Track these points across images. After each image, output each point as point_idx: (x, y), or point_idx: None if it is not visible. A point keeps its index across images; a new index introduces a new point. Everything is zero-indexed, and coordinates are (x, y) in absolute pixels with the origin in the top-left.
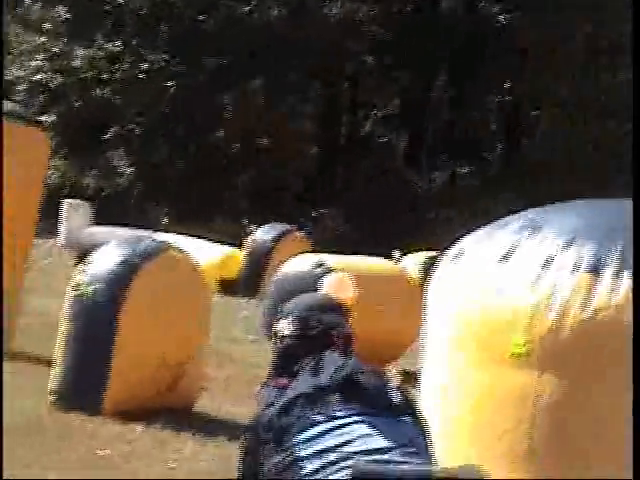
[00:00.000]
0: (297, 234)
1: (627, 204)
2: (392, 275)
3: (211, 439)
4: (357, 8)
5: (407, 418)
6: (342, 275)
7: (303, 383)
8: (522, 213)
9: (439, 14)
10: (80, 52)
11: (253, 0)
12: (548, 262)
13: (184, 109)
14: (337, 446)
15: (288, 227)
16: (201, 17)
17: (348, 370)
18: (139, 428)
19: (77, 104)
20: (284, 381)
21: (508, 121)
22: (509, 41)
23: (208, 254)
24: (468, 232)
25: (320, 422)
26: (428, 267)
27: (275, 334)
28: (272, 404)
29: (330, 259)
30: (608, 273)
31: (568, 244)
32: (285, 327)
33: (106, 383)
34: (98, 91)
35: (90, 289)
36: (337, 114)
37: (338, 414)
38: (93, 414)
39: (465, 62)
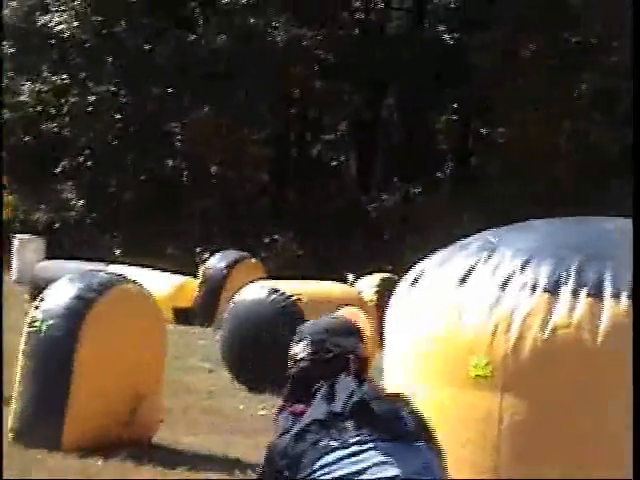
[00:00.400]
0: (251, 260)
1: (585, 222)
2: (347, 298)
3: (172, 470)
4: (303, 33)
5: (421, 443)
6: (355, 310)
7: (317, 409)
8: (479, 234)
9: (386, 36)
10: (26, 86)
11: (199, 28)
12: (506, 283)
13: (134, 139)
14: (352, 474)
15: (242, 254)
16: (147, 47)
17: (361, 396)
18: (99, 462)
19: (25, 138)
20: (300, 407)
21: (458, 139)
22: (457, 60)
23: (162, 284)
24: (426, 255)
25: (336, 449)
26: (383, 289)
27: (290, 357)
28: (288, 431)
29: (285, 285)
30: (566, 292)
31: (525, 264)
32: (301, 350)
33: (64, 418)
34: (46, 125)
35: (45, 325)
36: (287, 138)
37: (352, 440)
38: (53, 449)
39: (413, 82)
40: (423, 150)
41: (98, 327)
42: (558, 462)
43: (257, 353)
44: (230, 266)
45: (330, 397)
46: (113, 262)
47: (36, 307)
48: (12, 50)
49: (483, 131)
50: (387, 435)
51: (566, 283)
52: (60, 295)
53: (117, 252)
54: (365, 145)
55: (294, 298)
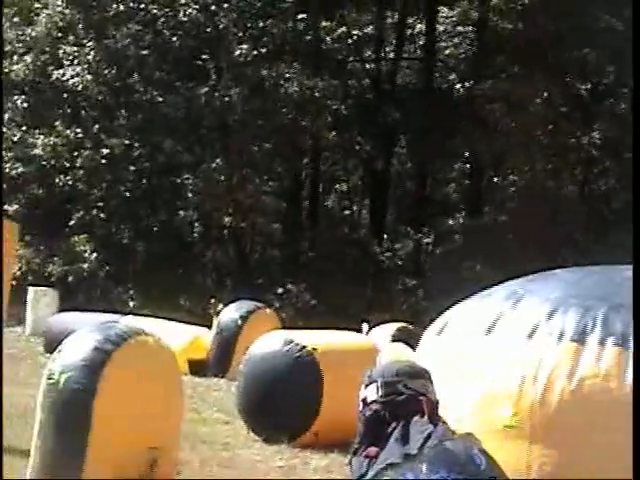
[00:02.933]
0: (266, 311)
1: (609, 270)
2: (364, 349)
3: None
4: (314, 84)
5: None
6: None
7: (392, 451)
8: (505, 284)
9: (397, 85)
10: (40, 140)
11: (211, 80)
12: (533, 332)
13: (146, 192)
14: None
15: (256, 304)
16: (160, 99)
17: (437, 438)
18: None
19: (39, 192)
20: (374, 450)
21: (470, 188)
22: (468, 109)
23: (176, 335)
24: (447, 305)
25: None
26: (398, 339)
27: (363, 400)
28: (364, 475)
29: (300, 335)
30: (593, 341)
31: (552, 313)
32: (373, 393)
33: (82, 471)
34: (60, 178)
35: (63, 377)
36: (300, 189)
37: None
38: None
39: (425, 131)
40: (435, 199)
41: (116, 379)
42: None
43: (273, 404)
44: (244, 317)
45: (404, 439)
46: (127, 314)
47: (54, 359)
48: (26, 104)
49: (495, 180)
50: (463, 476)
51: (593, 332)
52: (78, 347)
53: (131, 304)
54: (377, 195)
55: (309, 348)
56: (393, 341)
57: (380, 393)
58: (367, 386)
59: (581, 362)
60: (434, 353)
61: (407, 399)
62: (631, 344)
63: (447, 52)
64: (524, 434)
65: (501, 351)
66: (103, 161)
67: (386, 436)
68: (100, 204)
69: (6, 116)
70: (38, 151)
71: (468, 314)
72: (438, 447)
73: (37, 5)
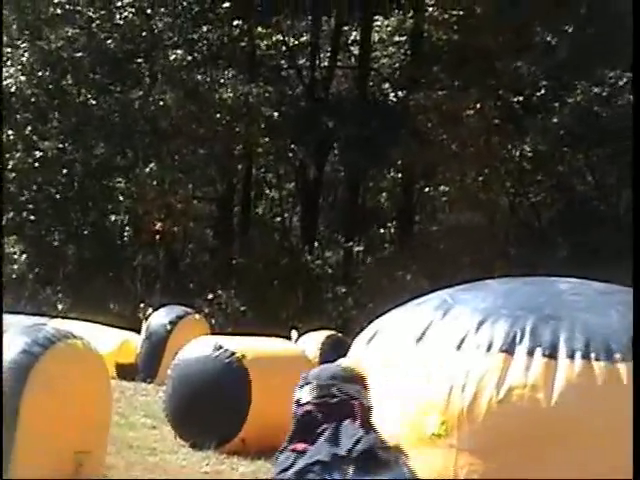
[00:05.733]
0: (195, 316)
1: (541, 282)
2: (292, 356)
3: None
4: (249, 91)
5: None
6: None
7: (320, 450)
8: (436, 293)
9: (331, 93)
10: None
11: (146, 84)
12: (462, 342)
13: (78, 195)
14: None
15: (185, 310)
16: (93, 102)
17: (368, 444)
18: None
19: None
20: (302, 446)
21: (402, 198)
22: (401, 118)
23: (105, 339)
24: (377, 313)
25: None
26: (326, 346)
27: (296, 401)
28: (289, 467)
29: (229, 342)
30: (521, 352)
31: (481, 323)
32: (306, 394)
33: (8, 474)
34: None
35: None
36: (232, 195)
37: None
38: None
39: (357, 140)
40: (367, 208)
41: (43, 382)
42: None
43: (201, 409)
44: (173, 322)
45: (334, 440)
46: (56, 317)
47: None
48: None
49: (427, 190)
50: None
51: (521, 343)
52: (5, 349)
53: (60, 307)
54: (309, 202)
55: (238, 355)
56: (321, 349)
57: (314, 394)
58: (302, 387)
59: (509, 372)
60: (364, 361)
61: (340, 402)
62: (559, 354)
63: (382, 61)
64: (451, 442)
65: (430, 360)
66: (35, 164)
67: (316, 436)
68: (31, 206)
69: None
70: None
71: (398, 323)
72: (368, 453)
73: None
